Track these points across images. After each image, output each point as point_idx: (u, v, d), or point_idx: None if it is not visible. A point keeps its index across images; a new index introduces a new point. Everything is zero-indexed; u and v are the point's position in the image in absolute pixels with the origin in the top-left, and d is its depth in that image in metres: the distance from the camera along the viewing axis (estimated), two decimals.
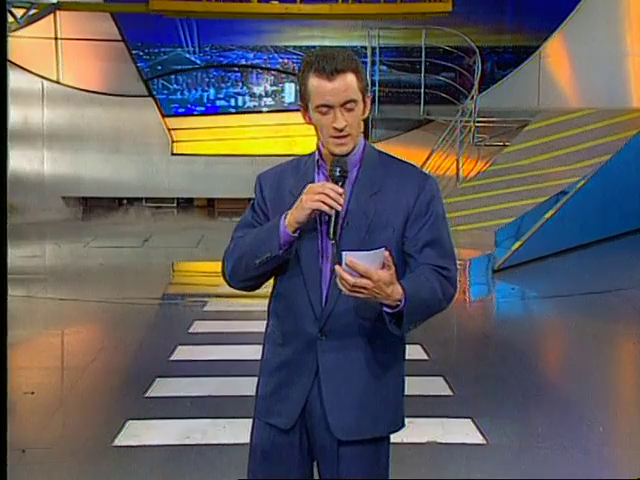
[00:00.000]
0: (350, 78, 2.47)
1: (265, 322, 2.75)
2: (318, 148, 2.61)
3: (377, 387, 2.61)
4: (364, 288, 2.36)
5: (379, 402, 2.61)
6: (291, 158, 2.71)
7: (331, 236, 2.46)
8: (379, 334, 2.56)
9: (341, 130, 2.48)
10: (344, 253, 2.37)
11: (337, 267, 2.37)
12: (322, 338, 2.56)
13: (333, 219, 2.45)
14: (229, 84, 15.78)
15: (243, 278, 2.62)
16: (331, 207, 2.43)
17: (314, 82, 2.48)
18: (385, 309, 2.44)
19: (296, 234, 2.50)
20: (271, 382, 2.66)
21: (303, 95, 2.53)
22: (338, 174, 2.48)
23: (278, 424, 2.63)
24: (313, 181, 2.58)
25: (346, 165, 2.50)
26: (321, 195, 2.43)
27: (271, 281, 2.70)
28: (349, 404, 2.57)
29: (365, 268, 2.34)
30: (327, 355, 2.56)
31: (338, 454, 2.60)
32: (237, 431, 4.93)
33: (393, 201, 2.55)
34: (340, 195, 2.44)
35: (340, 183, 2.47)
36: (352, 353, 2.57)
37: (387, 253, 2.38)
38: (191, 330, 7.48)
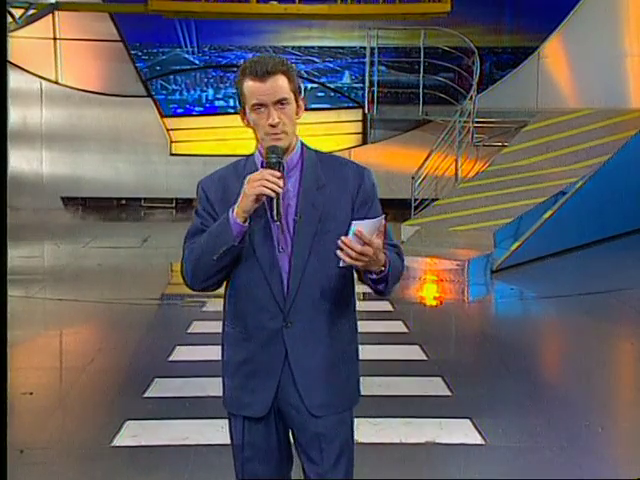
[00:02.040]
0: (281, 79, 2.70)
1: None
2: (259, 150, 2.79)
3: (342, 364, 2.82)
4: (365, 256, 2.59)
5: (345, 377, 2.83)
6: (228, 163, 2.88)
7: (275, 217, 2.64)
8: (338, 313, 2.79)
9: (275, 126, 2.69)
10: (353, 223, 2.60)
11: (344, 238, 2.58)
12: (288, 326, 2.74)
13: (275, 201, 2.63)
14: (228, 84, 15.77)
15: (204, 278, 2.77)
16: (273, 190, 2.61)
17: (249, 84, 2.71)
18: (370, 276, 2.69)
19: (246, 224, 2.67)
20: (237, 377, 2.82)
21: (241, 99, 2.76)
22: (274, 160, 2.67)
23: (252, 414, 2.79)
24: None
25: (280, 151, 2.69)
26: (262, 181, 2.62)
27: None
28: (321, 383, 2.77)
29: (370, 237, 2.57)
30: (294, 341, 2.74)
31: (317, 430, 2.78)
32: None
33: (338, 191, 2.77)
34: (279, 178, 2.63)
35: (276, 168, 2.66)
36: (317, 336, 2.76)
37: (383, 221, 2.63)
38: (190, 330, 7.49)
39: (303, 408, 2.77)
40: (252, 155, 2.83)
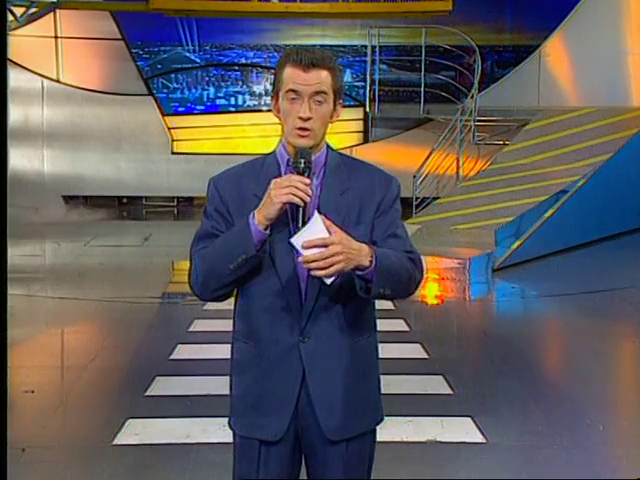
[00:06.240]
0: (325, 74, 2.50)
1: None
2: (282, 146, 2.59)
3: (362, 382, 2.61)
4: (337, 254, 2.35)
5: (364, 397, 2.61)
6: (243, 161, 2.65)
7: (301, 227, 2.44)
8: (359, 327, 2.58)
9: (305, 120, 2.48)
10: (291, 240, 2.39)
11: (302, 258, 2.36)
12: (305, 341, 2.53)
13: (302, 211, 2.44)
14: (229, 83, 15.78)
15: (216, 287, 2.54)
16: (301, 198, 2.42)
17: (289, 71, 2.51)
18: (356, 272, 2.42)
19: (268, 231, 2.47)
20: (249, 397, 2.60)
21: (276, 84, 2.55)
22: (303, 165, 2.47)
23: (268, 437, 2.57)
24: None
25: (309, 156, 2.49)
26: (290, 187, 2.41)
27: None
28: (338, 403, 2.56)
29: (320, 239, 2.36)
30: (312, 356, 2.53)
31: (326, 454, 2.58)
32: None
33: (362, 198, 2.56)
34: (307, 186, 2.43)
35: (306, 174, 2.47)
36: (336, 351, 2.55)
37: (318, 214, 2.40)
38: (191, 329, 7.49)
39: (319, 431, 2.55)
40: (271, 154, 2.61)
